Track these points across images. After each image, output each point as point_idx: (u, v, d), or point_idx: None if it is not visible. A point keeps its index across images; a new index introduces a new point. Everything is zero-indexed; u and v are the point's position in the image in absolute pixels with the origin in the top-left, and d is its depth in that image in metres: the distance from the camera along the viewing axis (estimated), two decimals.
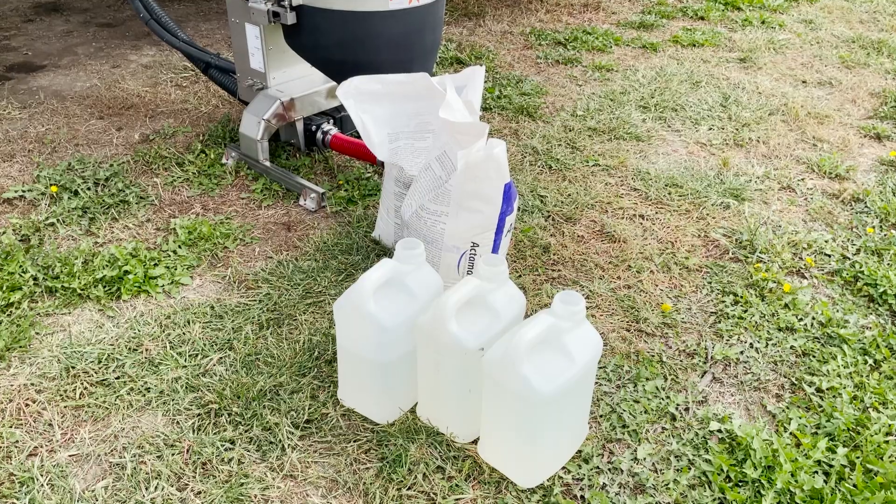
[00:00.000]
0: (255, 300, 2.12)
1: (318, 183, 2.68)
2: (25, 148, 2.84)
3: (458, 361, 1.61)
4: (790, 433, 1.73)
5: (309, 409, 1.77)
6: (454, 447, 1.69)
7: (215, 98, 3.27)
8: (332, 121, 2.78)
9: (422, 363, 1.69)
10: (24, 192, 2.55)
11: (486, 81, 3.52)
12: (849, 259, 2.34)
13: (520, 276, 2.25)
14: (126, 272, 2.15)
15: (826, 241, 2.42)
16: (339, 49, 2.33)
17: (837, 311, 2.13)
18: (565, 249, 2.38)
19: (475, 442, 1.70)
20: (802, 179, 2.81)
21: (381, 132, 2.19)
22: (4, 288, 2.07)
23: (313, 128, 2.77)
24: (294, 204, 2.58)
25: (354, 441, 1.70)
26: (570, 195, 2.67)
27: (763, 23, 4.37)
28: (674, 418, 1.79)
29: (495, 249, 1.94)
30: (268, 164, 2.70)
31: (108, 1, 4.53)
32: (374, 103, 2.18)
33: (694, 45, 4.05)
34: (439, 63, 3.74)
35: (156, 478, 1.60)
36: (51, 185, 2.57)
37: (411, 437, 1.70)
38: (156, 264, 2.21)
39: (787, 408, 1.82)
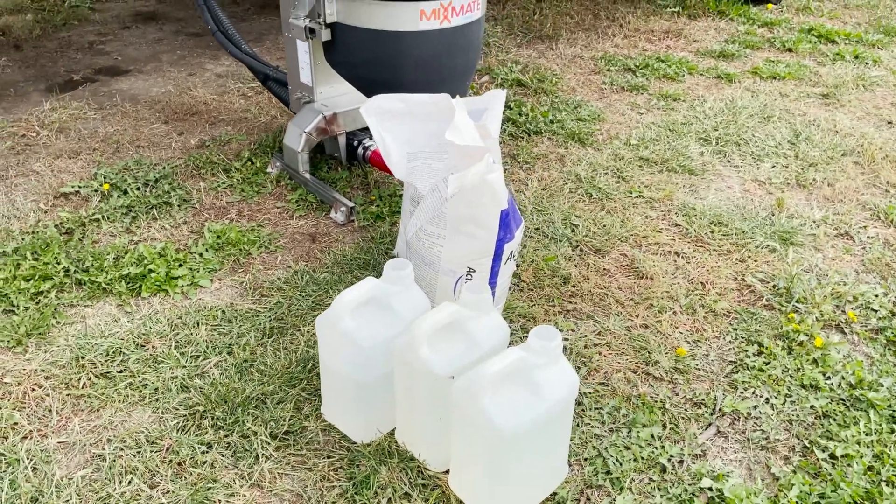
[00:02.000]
0: (265, 307, 2.15)
1: (352, 197, 2.71)
2: (91, 147, 3.02)
3: (429, 387, 1.58)
4: (788, 500, 1.59)
5: (290, 420, 1.78)
6: (425, 475, 1.65)
7: (274, 109, 3.38)
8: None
9: (397, 386, 1.67)
10: (80, 187, 2.71)
11: (542, 105, 3.47)
12: None
13: (533, 304, 2.19)
14: (150, 270, 2.24)
15: (876, 295, 2.22)
16: (369, 67, 2.35)
17: (872, 372, 1.94)
18: (587, 282, 2.30)
19: (448, 471, 1.65)
20: (864, 227, 2.60)
21: (400, 150, 2.18)
22: (37, 277, 2.21)
23: (355, 143, 2.81)
24: (325, 216, 2.62)
25: (328, 458, 1.70)
26: (604, 226, 2.57)
27: (857, 57, 4.10)
28: (664, 470, 1.68)
29: (493, 276, 1.90)
30: (307, 175, 2.76)
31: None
32: (395, 122, 2.18)
33: (774, 78, 3.84)
34: (500, 83, 3.72)
35: (131, 472, 1.65)
36: (104, 182, 2.72)
37: (384, 459, 1.68)
38: (180, 265, 2.30)
39: (794, 472, 1.67)
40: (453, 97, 2.47)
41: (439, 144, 2.18)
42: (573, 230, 2.55)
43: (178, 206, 2.64)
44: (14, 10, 4.59)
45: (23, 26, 4.29)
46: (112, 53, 4.09)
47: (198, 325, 2.07)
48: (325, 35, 2.33)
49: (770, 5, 4.99)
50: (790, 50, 4.24)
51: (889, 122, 3.37)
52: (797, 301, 2.19)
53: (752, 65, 4.01)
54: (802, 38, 4.37)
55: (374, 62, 2.33)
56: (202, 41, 4.23)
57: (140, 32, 4.43)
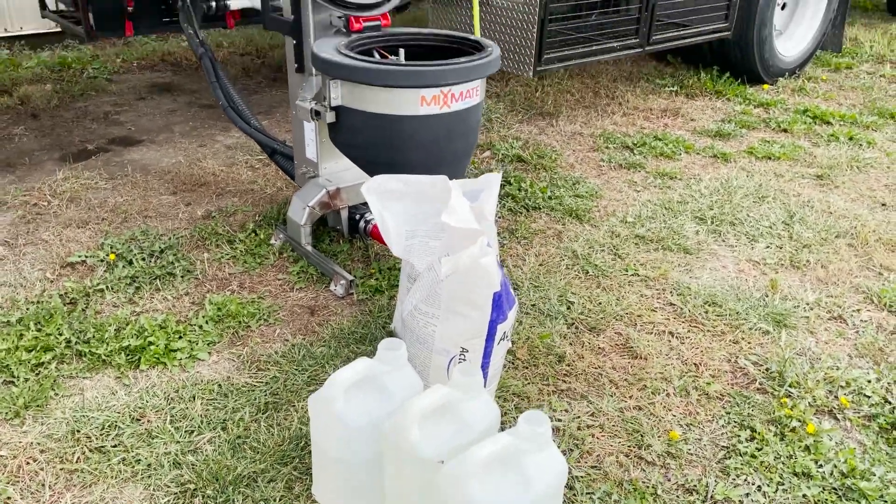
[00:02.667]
0: (261, 381, 2.18)
1: (352, 269, 2.76)
2: (100, 216, 3.10)
3: (418, 471, 1.59)
4: None
5: (280, 500, 1.78)
6: None
7: (281, 181, 3.47)
8: None
9: (386, 468, 1.68)
10: (86, 257, 2.77)
11: (542, 181, 3.55)
12: (890, 403, 2.15)
13: (527, 383, 2.21)
14: (150, 343, 2.28)
15: (868, 381, 2.23)
16: (371, 148, 2.43)
17: (865, 461, 1.94)
18: (581, 361, 2.32)
19: None
20: (858, 310, 2.62)
21: (399, 228, 2.24)
22: (39, 348, 2.24)
23: (357, 216, 2.87)
24: (325, 288, 2.66)
25: None
26: (600, 304, 2.61)
27: (851, 139, 4.19)
28: None
29: (486, 356, 1.92)
30: (309, 248, 2.82)
31: None
32: (395, 201, 2.24)
33: (769, 158, 3.92)
34: (501, 159, 3.81)
35: None
36: (111, 252, 2.78)
37: None
38: (180, 337, 2.33)
39: None
40: (453, 177, 2.55)
41: (436, 224, 2.24)
42: (569, 307, 2.59)
43: (182, 277, 2.69)
44: (34, 80, 4.76)
45: (41, 96, 4.45)
46: (126, 124, 4.22)
47: (194, 398, 2.10)
48: (330, 117, 2.42)
49: (766, 86, 5.13)
50: (785, 130, 4.34)
51: (883, 204, 3.43)
52: (790, 385, 2.21)
53: (747, 145, 4.11)
54: (797, 118, 4.48)
55: (376, 144, 2.41)
56: (214, 113, 4.36)
57: (155, 103, 4.58)
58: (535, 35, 3.66)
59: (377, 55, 2.62)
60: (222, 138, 4.01)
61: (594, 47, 4.04)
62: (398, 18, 6.91)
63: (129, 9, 3.95)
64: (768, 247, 3.03)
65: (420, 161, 2.43)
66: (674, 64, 5.50)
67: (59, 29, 5.23)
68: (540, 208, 3.30)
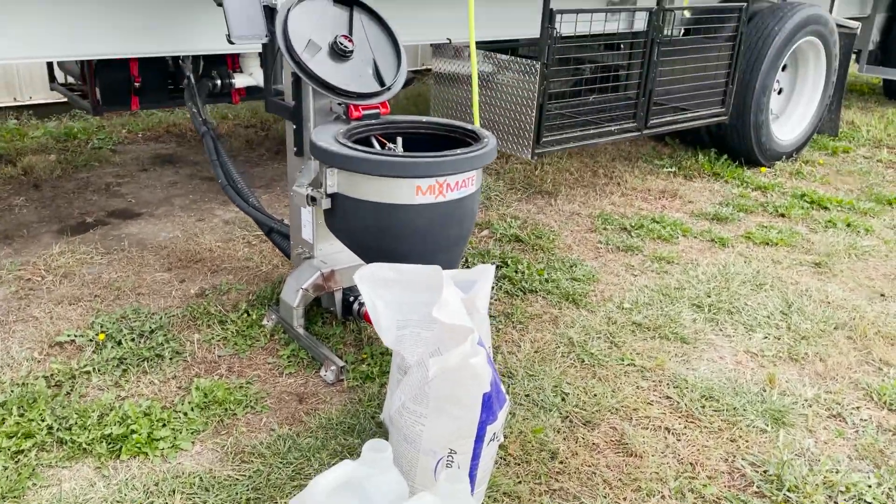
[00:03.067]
0: (244, 475, 2.12)
1: (344, 353, 2.72)
2: (93, 293, 3.08)
3: None
4: None
5: None
6: None
7: (277, 258, 3.46)
8: None
9: None
10: (75, 336, 2.74)
11: (539, 263, 3.54)
12: None
13: (518, 481, 2.14)
14: (133, 431, 2.22)
15: (869, 486, 2.16)
16: (367, 235, 2.43)
17: None
18: (575, 458, 2.25)
19: None
20: (857, 408, 2.57)
21: (390, 318, 2.22)
22: (20, 434, 2.19)
23: (351, 298, 2.85)
24: (315, 373, 2.62)
25: None
26: (595, 395, 2.56)
27: (849, 225, 4.20)
28: None
29: (475, 458, 1.87)
30: (301, 330, 2.79)
31: None
32: (387, 289, 2.23)
33: (767, 244, 3.92)
34: (499, 238, 3.82)
35: None
36: (100, 332, 2.75)
37: None
38: (164, 425, 2.28)
39: None
40: (448, 263, 2.54)
41: (428, 314, 2.21)
42: (563, 399, 2.54)
43: (170, 359, 2.65)
44: (39, 150, 4.82)
45: (45, 166, 4.50)
46: (127, 196, 4.25)
47: (173, 492, 2.03)
48: (326, 204, 2.42)
49: (764, 169, 5.18)
50: (783, 215, 4.35)
51: (882, 295, 3.41)
52: (788, 490, 2.14)
53: (745, 229, 4.11)
54: (795, 203, 4.51)
55: (371, 231, 2.41)
56: (214, 186, 4.39)
57: (157, 175, 4.62)
58: (533, 118, 3.71)
59: (376, 143, 2.65)
60: (221, 212, 4.02)
61: (592, 130, 4.09)
62: (403, 93, 7.05)
63: (137, 84, 4.04)
64: (766, 337, 2.99)
65: (415, 248, 2.42)
66: (672, 145, 5.57)
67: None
68: (536, 291, 3.28)
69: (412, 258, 2.40)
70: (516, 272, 3.42)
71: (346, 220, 2.45)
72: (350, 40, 2.66)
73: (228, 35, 2.57)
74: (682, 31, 4.92)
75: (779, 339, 2.99)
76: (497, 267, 3.49)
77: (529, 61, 3.68)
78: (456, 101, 4.11)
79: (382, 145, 2.64)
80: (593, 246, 3.83)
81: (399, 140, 2.59)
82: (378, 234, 2.42)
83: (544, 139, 3.82)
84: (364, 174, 2.31)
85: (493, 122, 3.93)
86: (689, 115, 4.62)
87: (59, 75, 4.47)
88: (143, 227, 3.80)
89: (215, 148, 3.31)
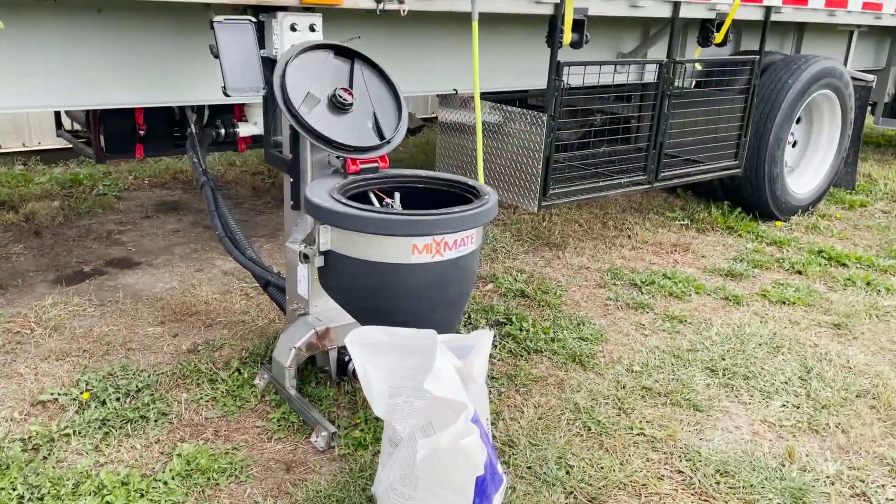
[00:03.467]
0: None
1: (337, 417, 2.59)
2: (82, 348, 2.98)
3: None
4: None
5: None
6: None
7: (274, 312, 3.36)
8: None
9: None
10: (59, 394, 2.63)
11: (545, 320, 3.41)
12: None
13: None
14: (108, 503, 2.09)
15: None
16: (360, 294, 2.33)
17: None
18: None
19: None
20: (882, 486, 2.39)
21: (382, 385, 2.10)
22: None
23: (346, 358, 2.73)
24: (305, 439, 2.49)
25: None
26: (602, 468, 2.40)
27: (868, 284, 4.04)
28: None
29: None
30: (292, 391, 2.66)
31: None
32: (379, 354, 2.11)
33: (783, 303, 3.77)
34: (504, 293, 3.69)
35: None
36: (85, 391, 2.64)
37: None
38: (141, 496, 2.15)
39: None
40: (446, 324, 2.42)
41: (421, 381, 2.09)
42: (568, 472, 2.38)
43: (155, 420, 2.53)
44: (43, 196, 4.79)
45: (47, 213, 4.45)
46: (128, 244, 4.18)
47: None
48: (319, 262, 2.32)
49: (779, 223, 5.05)
50: (800, 272, 4.21)
51: None
52: None
53: (760, 286, 3.97)
54: (812, 259, 4.36)
55: (366, 291, 2.30)
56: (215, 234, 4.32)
57: (160, 222, 4.56)
58: (540, 170, 3.63)
59: (374, 198, 2.56)
60: (220, 262, 3.94)
61: (601, 183, 3.99)
62: (412, 141, 7.03)
63: (142, 132, 4.00)
64: (784, 406, 2.83)
65: (411, 309, 2.31)
66: (684, 197, 5.47)
67: None
68: (542, 351, 3.14)
69: (408, 319, 2.29)
70: (521, 330, 3.29)
71: (340, 279, 2.35)
72: (349, 93, 2.60)
73: (224, 87, 2.51)
74: (694, 83, 4.87)
75: (798, 407, 2.83)
76: (501, 324, 3.36)
77: (536, 113, 3.61)
78: (462, 151, 4.04)
79: (381, 200, 2.55)
80: (602, 303, 3.70)
81: (397, 196, 2.50)
82: (372, 295, 2.31)
83: (551, 191, 3.73)
84: (358, 232, 2.21)
85: (499, 173, 3.85)
86: (702, 167, 4.52)
87: (66, 122, 4.46)
88: (140, 278, 3.72)
89: (214, 198, 3.24)
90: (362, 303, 2.36)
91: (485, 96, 4.34)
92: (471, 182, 2.53)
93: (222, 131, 3.95)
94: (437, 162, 4.25)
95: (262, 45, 2.85)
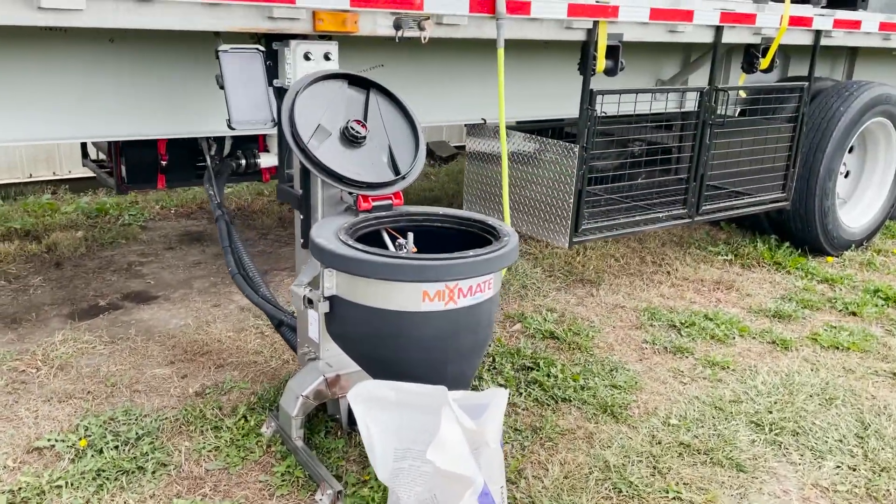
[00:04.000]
0: None
1: (345, 472, 2.41)
2: (86, 389, 2.86)
3: None
4: None
5: None
6: None
7: (288, 353, 3.20)
8: None
9: None
10: (56, 441, 2.50)
11: (575, 365, 3.19)
12: None
13: None
14: None
15: None
16: (368, 344, 2.15)
17: None
18: None
19: None
20: None
21: (386, 446, 1.91)
22: None
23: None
24: (310, 496, 2.31)
25: None
26: None
27: None
28: None
29: None
30: (299, 443, 2.49)
31: (246, 235, 4.85)
32: (384, 412, 1.94)
33: (836, 348, 3.48)
34: (532, 334, 3.48)
35: None
36: (83, 437, 2.51)
37: None
38: None
39: None
40: (460, 377, 2.23)
41: (428, 443, 1.90)
42: None
43: (153, 472, 2.38)
44: (68, 226, 4.75)
45: (69, 244, 4.39)
46: (147, 276, 4.09)
47: None
48: (324, 307, 2.16)
49: (830, 258, 4.74)
50: (854, 314, 3.90)
51: None
52: None
53: (810, 329, 3.68)
54: (868, 300, 4.05)
55: (373, 340, 2.13)
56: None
57: (182, 254, 4.47)
58: (571, 205, 3.43)
59: (386, 237, 2.40)
60: (238, 298, 3.81)
61: (637, 217, 3.77)
62: (444, 170, 6.89)
63: (163, 162, 3.92)
64: (839, 467, 2.56)
65: (421, 360, 2.13)
66: (728, 230, 5.19)
67: None
68: (570, 400, 2.92)
69: (418, 372, 2.11)
70: (548, 376, 3.07)
71: (346, 326, 2.18)
72: (363, 125, 2.45)
73: (229, 120, 2.39)
74: (739, 111, 4.63)
75: (854, 469, 2.55)
76: (528, 369, 3.15)
77: (568, 144, 3.42)
78: (489, 182, 3.86)
79: (394, 240, 2.39)
80: (637, 346, 3.46)
81: (410, 236, 2.32)
82: (380, 344, 2.13)
83: (584, 227, 3.52)
84: (364, 277, 2.04)
85: (528, 205, 3.66)
86: (747, 200, 4.26)
87: (92, 151, 4.42)
88: (155, 313, 3.61)
89: (229, 233, 3.11)
90: (369, 352, 2.19)
91: (518, 125, 4.17)
92: (490, 221, 2.35)
93: (243, 162, 3.85)
94: (464, 193, 4.08)
95: (275, 74, 2.74)
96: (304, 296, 2.21)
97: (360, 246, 2.06)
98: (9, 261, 4.16)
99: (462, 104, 3.56)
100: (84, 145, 4.42)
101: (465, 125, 3.99)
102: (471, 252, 2.06)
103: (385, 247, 2.36)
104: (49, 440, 2.51)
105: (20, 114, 2.59)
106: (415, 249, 2.34)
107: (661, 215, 3.86)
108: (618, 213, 3.76)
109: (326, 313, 2.19)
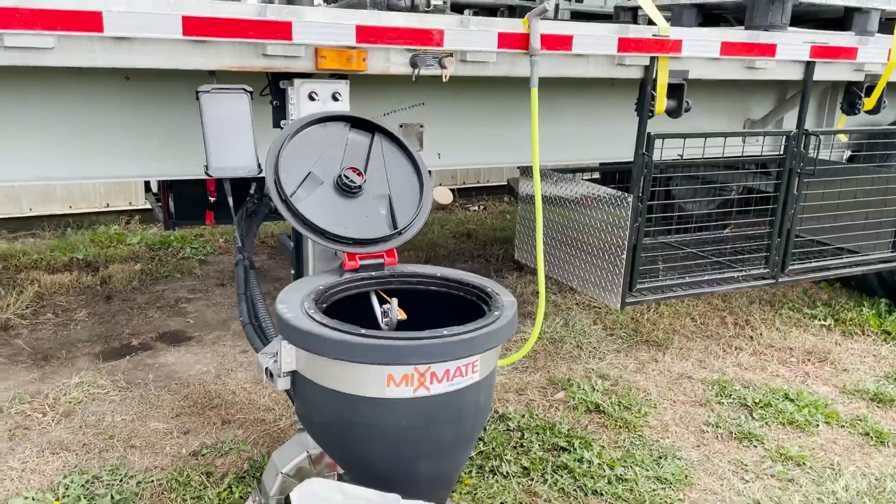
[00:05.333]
0: None
1: None
2: (84, 441, 2.73)
3: None
4: None
5: None
6: None
7: None
8: None
9: None
10: (32, 499, 2.37)
11: (616, 449, 2.76)
12: None
13: None
14: None
15: None
16: (330, 430, 1.87)
17: None
18: None
19: None
20: None
21: None
22: None
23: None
24: None
25: None
26: None
27: None
28: None
29: None
30: None
31: (278, 275, 4.70)
32: None
33: None
34: (575, 405, 3.08)
35: None
36: (59, 497, 2.36)
37: None
38: None
39: None
40: (437, 477, 1.91)
41: None
42: None
43: None
44: (128, 258, 4.77)
45: (123, 277, 4.39)
46: (189, 315, 4.00)
47: None
48: (283, 384, 1.90)
49: None
50: None
51: None
52: None
53: None
54: None
55: (335, 426, 1.84)
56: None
57: (230, 291, 4.37)
58: (624, 261, 3.02)
59: (375, 302, 2.11)
60: None
61: (707, 276, 3.30)
62: (495, 208, 6.54)
63: (212, 199, 3.84)
64: None
65: (389, 454, 1.82)
66: (829, 290, 4.55)
67: None
68: (601, 494, 2.51)
69: (387, 467, 1.81)
70: (580, 461, 2.66)
71: (308, 406, 1.91)
72: (360, 174, 2.19)
73: (206, 167, 2.20)
74: (847, 157, 4.06)
75: None
76: (560, 450, 2.76)
77: (620, 193, 3.02)
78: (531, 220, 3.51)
79: (384, 303, 2.10)
80: (697, 427, 2.98)
81: (394, 301, 2.02)
82: (343, 432, 1.84)
83: (639, 286, 3.10)
84: (321, 356, 1.76)
85: (578, 259, 3.27)
86: (847, 259, 3.68)
87: (154, 184, 4.43)
88: (181, 356, 3.48)
89: (245, 280, 2.92)
90: (333, 441, 1.90)
91: (575, 169, 3.80)
92: (489, 288, 2.02)
93: None
94: (515, 239, 3.74)
95: (283, 115, 2.55)
96: (266, 367, 1.96)
97: (319, 318, 1.78)
98: (62, 292, 4.20)
99: (503, 146, 3.24)
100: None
101: (519, 168, 3.67)
102: (445, 330, 1.73)
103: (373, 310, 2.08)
104: (26, 498, 2.38)
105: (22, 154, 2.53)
106: (404, 316, 2.04)
107: (737, 275, 3.37)
108: (684, 271, 3.31)
109: (287, 390, 1.93)
